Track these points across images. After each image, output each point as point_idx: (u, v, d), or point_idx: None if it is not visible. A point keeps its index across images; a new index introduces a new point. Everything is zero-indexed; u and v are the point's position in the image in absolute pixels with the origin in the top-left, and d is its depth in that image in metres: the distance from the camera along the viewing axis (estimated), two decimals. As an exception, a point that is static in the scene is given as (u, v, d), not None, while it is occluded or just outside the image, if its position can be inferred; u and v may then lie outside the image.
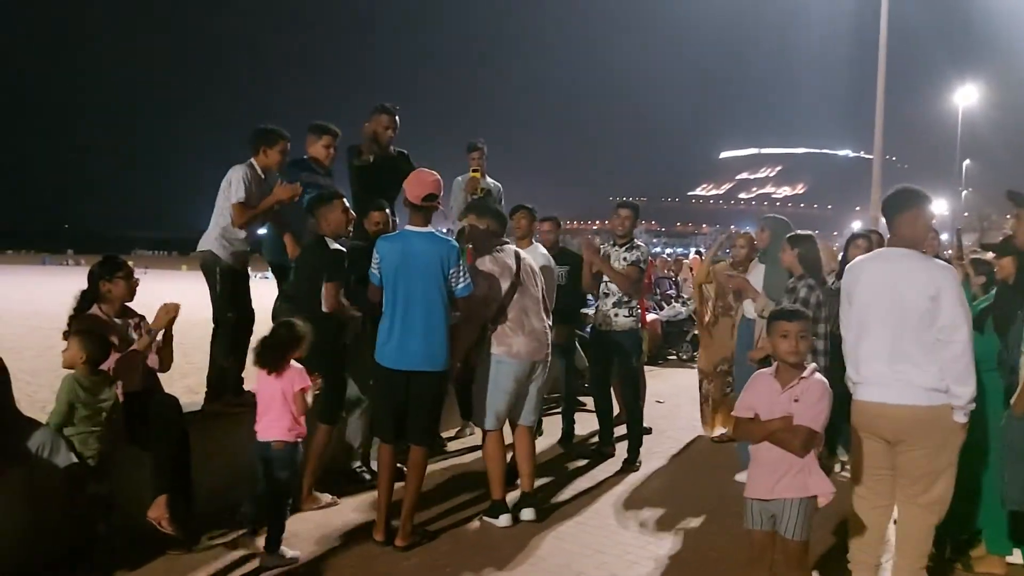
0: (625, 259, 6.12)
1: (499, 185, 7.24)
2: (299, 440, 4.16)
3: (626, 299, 6.10)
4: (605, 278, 6.13)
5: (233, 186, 5.00)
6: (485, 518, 4.84)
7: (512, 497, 4.95)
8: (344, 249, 4.84)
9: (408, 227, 4.50)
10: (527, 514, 4.86)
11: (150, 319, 4.48)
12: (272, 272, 5.72)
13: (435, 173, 4.58)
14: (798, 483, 3.20)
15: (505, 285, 4.74)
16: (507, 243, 4.96)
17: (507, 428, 4.98)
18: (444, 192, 4.99)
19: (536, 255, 5.51)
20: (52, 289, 24.42)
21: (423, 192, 4.42)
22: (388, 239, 4.56)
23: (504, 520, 4.79)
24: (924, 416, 3.48)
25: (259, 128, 5.26)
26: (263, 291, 5.46)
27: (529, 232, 5.93)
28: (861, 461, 3.72)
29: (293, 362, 4.15)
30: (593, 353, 6.53)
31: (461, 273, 4.43)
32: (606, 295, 6.14)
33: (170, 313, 4.36)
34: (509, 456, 5.05)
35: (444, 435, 6.59)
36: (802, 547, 3.25)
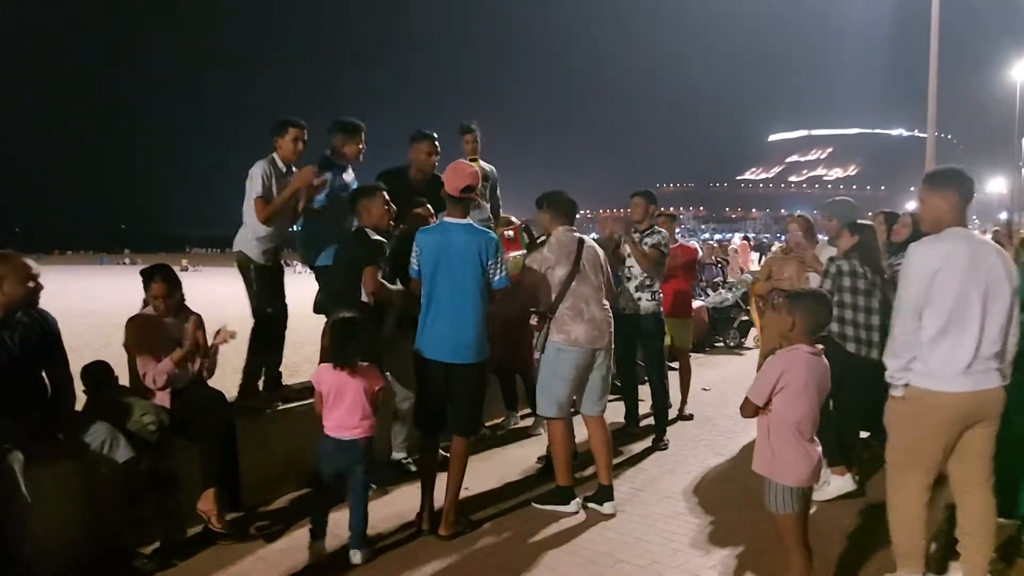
0: (647, 243, 6.25)
1: (493, 168, 6.99)
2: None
3: (648, 282, 6.25)
4: (627, 263, 6.26)
5: (252, 182, 5.05)
6: (548, 506, 4.85)
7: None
8: (384, 240, 4.89)
9: (447, 219, 4.53)
10: (608, 508, 4.83)
11: (202, 313, 4.63)
12: (309, 268, 5.76)
13: (473, 165, 4.62)
14: (759, 457, 3.40)
15: (563, 272, 4.77)
16: (573, 231, 4.97)
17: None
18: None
19: None
20: (110, 288, 25.09)
21: (461, 184, 4.45)
22: (427, 231, 4.59)
23: (574, 506, 4.82)
24: (1003, 397, 3.53)
25: (275, 121, 5.28)
26: (303, 286, 5.54)
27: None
28: (927, 454, 3.58)
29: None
30: (617, 335, 6.53)
31: (499, 265, 4.45)
32: (628, 279, 6.28)
33: (223, 338, 4.45)
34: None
35: (489, 423, 6.63)
36: (781, 521, 3.34)
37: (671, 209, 8.95)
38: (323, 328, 5.64)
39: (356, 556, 4.06)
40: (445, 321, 4.35)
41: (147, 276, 4.47)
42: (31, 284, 3.87)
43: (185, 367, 4.42)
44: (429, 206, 5.46)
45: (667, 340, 7.13)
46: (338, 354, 4.09)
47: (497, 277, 4.43)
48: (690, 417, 7.25)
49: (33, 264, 3.95)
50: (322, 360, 4.36)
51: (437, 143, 6.00)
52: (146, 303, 4.49)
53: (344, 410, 4.08)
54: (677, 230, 7.72)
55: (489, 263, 4.39)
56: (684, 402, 7.33)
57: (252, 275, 5.15)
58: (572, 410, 5.00)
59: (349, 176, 5.64)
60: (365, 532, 4.15)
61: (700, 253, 11.53)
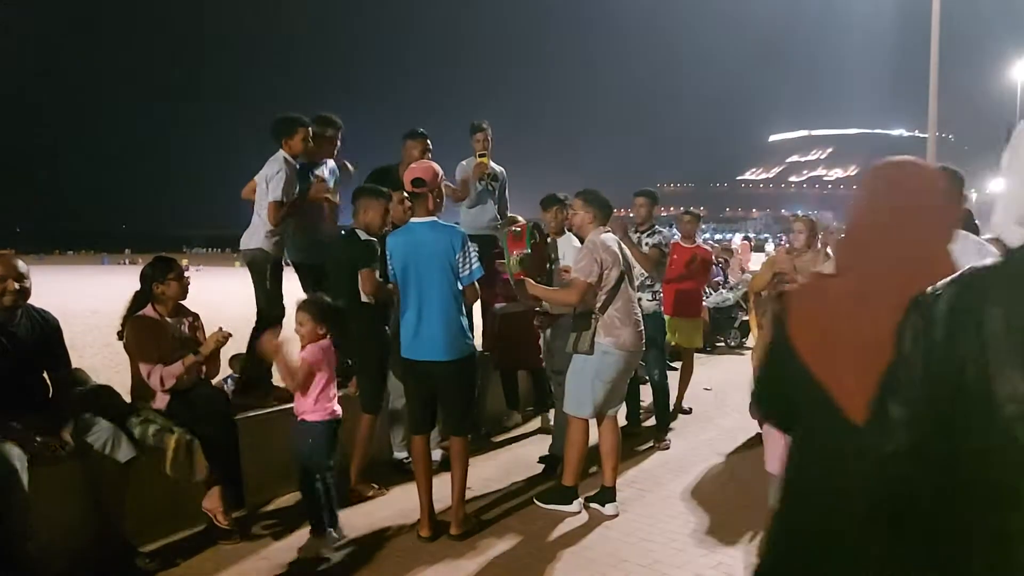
0: (647, 243, 6.24)
1: (503, 169, 6.89)
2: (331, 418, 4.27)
3: (649, 282, 6.24)
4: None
5: (272, 183, 5.03)
6: (551, 505, 4.83)
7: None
8: (375, 240, 4.88)
9: (413, 219, 4.47)
10: (610, 509, 4.80)
11: (202, 314, 4.60)
12: (295, 269, 5.69)
13: (429, 163, 4.60)
14: (771, 457, 3.45)
15: (616, 274, 4.73)
16: (608, 231, 4.91)
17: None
18: (448, 177, 5.10)
19: (570, 246, 5.50)
20: (111, 288, 25.05)
21: (409, 177, 4.42)
22: (396, 234, 4.55)
23: (576, 506, 4.81)
24: None
25: (278, 118, 5.24)
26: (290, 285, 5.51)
27: (562, 225, 5.88)
28: None
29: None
30: None
31: (468, 259, 4.34)
32: None
33: (220, 341, 4.42)
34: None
35: (490, 422, 6.62)
36: None
37: (678, 209, 9.03)
38: (299, 309, 5.59)
39: (331, 535, 4.21)
40: (423, 320, 4.30)
41: (162, 273, 4.40)
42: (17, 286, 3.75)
43: (196, 369, 4.40)
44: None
45: (674, 339, 7.15)
46: (343, 336, 4.20)
47: (467, 272, 4.34)
48: (689, 411, 7.28)
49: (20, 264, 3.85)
50: (304, 343, 4.29)
51: (429, 141, 6.01)
52: (138, 300, 4.45)
53: (322, 388, 4.18)
54: (674, 229, 7.75)
55: (457, 257, 4.32)
56: (681, 397, 7.33)
57: (268, 273, 5.14)
58: None
59: (320, 171, 5.56)
60: (335, 511, 4.28)
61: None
